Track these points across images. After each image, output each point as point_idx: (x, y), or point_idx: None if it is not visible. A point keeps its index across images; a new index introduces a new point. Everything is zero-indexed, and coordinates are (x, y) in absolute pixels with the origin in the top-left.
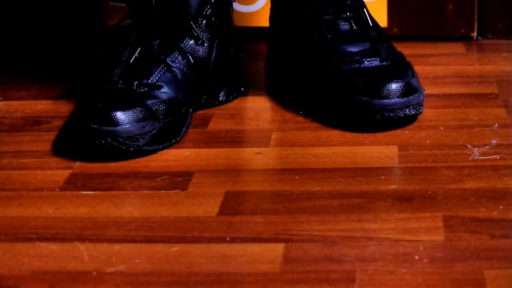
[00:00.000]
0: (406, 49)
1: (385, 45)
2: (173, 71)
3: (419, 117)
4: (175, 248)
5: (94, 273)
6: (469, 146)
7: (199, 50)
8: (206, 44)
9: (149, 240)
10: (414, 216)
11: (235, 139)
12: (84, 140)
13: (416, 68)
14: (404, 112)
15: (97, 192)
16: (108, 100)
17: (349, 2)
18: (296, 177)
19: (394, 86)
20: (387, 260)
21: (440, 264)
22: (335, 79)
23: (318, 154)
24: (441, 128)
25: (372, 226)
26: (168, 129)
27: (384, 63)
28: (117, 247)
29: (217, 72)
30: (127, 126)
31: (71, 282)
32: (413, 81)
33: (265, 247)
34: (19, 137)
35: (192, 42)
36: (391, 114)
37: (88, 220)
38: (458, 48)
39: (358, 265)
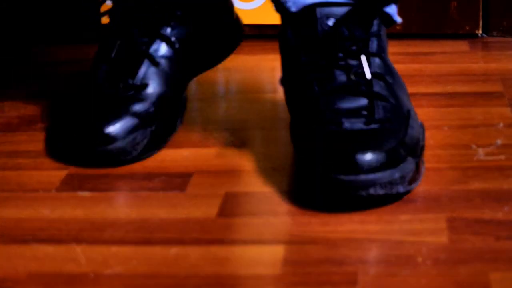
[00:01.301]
0: (409, 47)
1: (385, 103)
2: (158, 62)
3: (422, 116)
4: (174, 250)
5: (91, 275)
6: (473, 146)
7: (185, 29)
8: (186, 25)
9: (147, 242)
10: (418, 217)
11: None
12: (75, 151)
13: (420, 66)
14: (367, 192)
15: (94, 193)
16: (96, 110)
17: (354, 47)
18: (297, 178)
19: (360, 157)
20: (389, 262)
21: (444, 266)
22: (307, 141)
23: None
24: (445, 127)
25: (374, 227)
26: (162, 128)
27: (372, 126)
28: (114, 249)
29: (210, 42)
30: (118, 144)
31: (67, 284)
32: (393, 152)
33: (265, 249)
34: (14, 137)
35: (175, 23)
36: (350, 193)
37: (85, 221)
38: (462, 46)
39: (360, 267)
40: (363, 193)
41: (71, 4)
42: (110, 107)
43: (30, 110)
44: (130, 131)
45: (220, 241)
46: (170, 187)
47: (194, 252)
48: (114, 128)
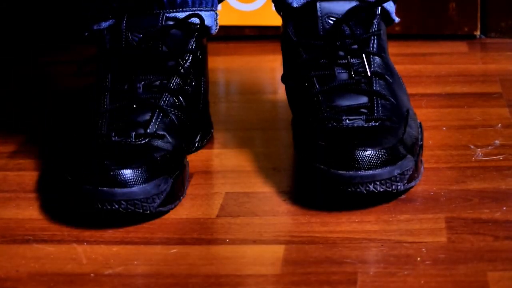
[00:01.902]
0: (408, 48)
1: (385, 101)
2: (169, 116)
3: (421, 117)
4: (174, 250)
5: (92, 275)
6: (472, 147)
7: (188, 90)
8: (194, 83)
9: (147, 242)
10: (416, 217)
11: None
12: (90, 206)
13: (419, 67)
14: (367, 188)
15: None
16: (108, 156)
17: (355, 46)
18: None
19: (359, 154)
20: (389, 262)
21: (442, 266)
22: (307, 138)
23: None
24: (444, 128)
25: (373, 227)
26: (177, 184)
27: (371, 123)
28: (115, 249)
29: (205, 113)
30: (142, 186)
31: (68, 284)
32: (393, 149)
33: (265, 249)
34: (15, 138)
35: (179, 80)
36: (349, 189)
37: (86, 221)
38: (461, 47)
39: (360, 267)
40: (363, 189)
41: (70, 5)
42: (124, 153)
43: (30, 110)
44: (153, 177)
45: (221, 241)
46: None
47: (194, 252)
48: (133, 172)
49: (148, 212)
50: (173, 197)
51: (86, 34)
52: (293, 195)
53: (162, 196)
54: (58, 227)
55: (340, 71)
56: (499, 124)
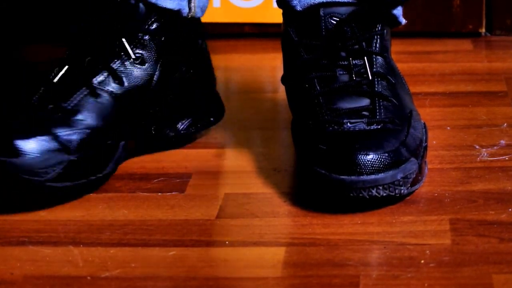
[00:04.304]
0: (412, 46)
1: (387, 103)
2: (98, 94)
3: (425, 116)
4: (173, 252)
5: (89, 278)
6: (477, 147)
7: (137, 71)
8: (146, 64)
9: (145, 244)
10: (420, 219)
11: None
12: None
13: (422, 65)
14: (370, 193)
15: (91, 194)
16: (14, 124)
17: (357, 47)
18: (298, 179)
19: (361, 158)
20: (392, 264)
21: (447, 268)
22: (308, 141)
23: None
24: (448, 128)
25: (376, 229)
26: (86, 163)
27: (373, 126)
28: (112, 251)
29: (163, 98)
30: (26, 159)
31: (64, 287)
32: (395, 152)
33: (265, 251)
34: None
35: (128, 61)
36: (352, 194)
37: (82, 223)
38: (466, 44)
39: (362, 269)
40: (365, 194)
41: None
42: (30, 123)
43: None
44: (43, 151)
45: (220, 243)
46: (169, 188)
47: (193, 254)
48: (25, 143)
49: (35, 184)
50: (76, 175)
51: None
52: (294, 196)
53: (52, 172)
54: (54, 228)
55: (341, 73)
56: (505, 124)
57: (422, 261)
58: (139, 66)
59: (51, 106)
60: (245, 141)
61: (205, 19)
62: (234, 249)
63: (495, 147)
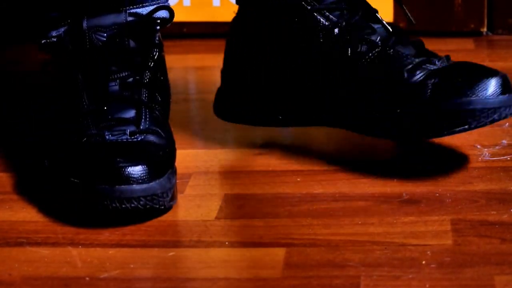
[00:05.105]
0: None
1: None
2: (155, 111)
3: None
4: (172, 253)
5: (87, 278)
6: (478, 147)
7: (159, 85)
8: (162, 78)
9: (144, 245)
10: (421, 219)
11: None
12: (106, 205)
13: None
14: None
15: None
16: (116, 154)
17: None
18: (298, 179)
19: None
20: (393, 265)
21: (448, 269)
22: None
23: (321, 154)
24: None
25: (377, 230)
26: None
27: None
28: (111, 251)
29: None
30: (158, 180)
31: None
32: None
33: (265, 251)
34: None
35: (151, 75)
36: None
37: (81, 223)
38: (467, 44)
39: (363, 270)
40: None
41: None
42: (126, 151)
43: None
44: (163, 172)
45: (220, 244)
46: None
47: (192, 255)
48: (144, 169)
49: (163, 207)
50: (175, 191)
51: (43, 41)
52: (295, 197)
53: (172, 190)
54: (52, 229)
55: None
56: (507, 124)
57: (423, 262)
58: (159, 79)
59: (129, 130)
60: (245, 141)
61: (205, 19)
62: (233, 250)
63: (497, 147)
